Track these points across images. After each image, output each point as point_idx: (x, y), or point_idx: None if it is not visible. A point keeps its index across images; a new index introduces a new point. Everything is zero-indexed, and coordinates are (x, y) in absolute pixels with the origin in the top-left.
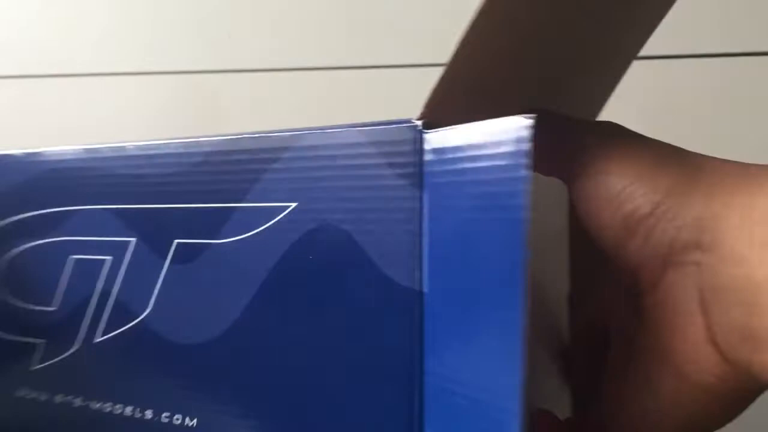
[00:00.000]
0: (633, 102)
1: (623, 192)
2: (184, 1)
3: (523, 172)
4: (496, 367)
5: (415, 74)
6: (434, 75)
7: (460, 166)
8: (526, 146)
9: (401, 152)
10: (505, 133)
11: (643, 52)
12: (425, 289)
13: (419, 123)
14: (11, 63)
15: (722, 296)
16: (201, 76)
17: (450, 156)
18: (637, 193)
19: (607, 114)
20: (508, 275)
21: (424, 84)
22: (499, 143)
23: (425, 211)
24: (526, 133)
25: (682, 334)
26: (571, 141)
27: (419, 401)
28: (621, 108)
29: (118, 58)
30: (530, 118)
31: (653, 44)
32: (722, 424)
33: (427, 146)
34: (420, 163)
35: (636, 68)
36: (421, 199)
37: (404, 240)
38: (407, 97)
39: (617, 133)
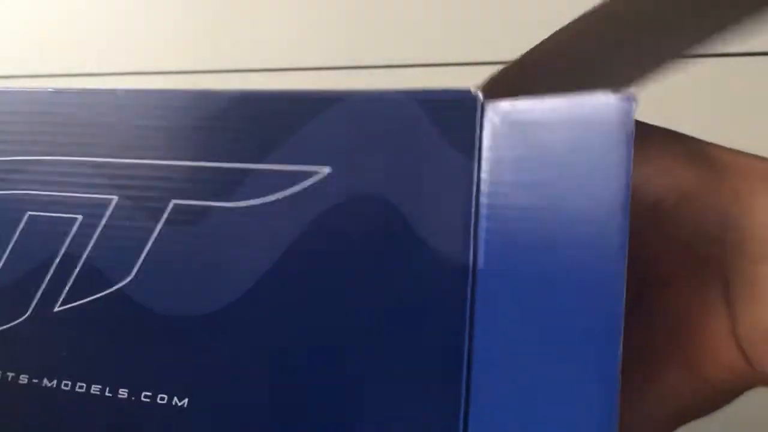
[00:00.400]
0: None
1: (649, 182)
2: (185, 1)
3: (628, 150)
4: (585, 353)
5: (416, 74)
6: (435, 75)
7: (532, 140)
8: (629, 123)
9: (459, 121)
10: (599, 108)
11: None
12: (480, 266)
13: (479, 92)
14: (11, 63)
15: (747, 293)
16: (201, 76)
17: (519, 129)
18: (664, 184)
19: None
20: (606, 257)
21: (427, 84)
22: (590, 119)
23: (483, 183)
24: (627, 109)
25: (704, 329)
26: None
27: (466, 389)
28: None
29: (118, 58)
30: (629, 95)
31: None
32: (713, 411)
33: (489, 116)
34: (480, 135)
35: None
36: (479, 170)
37: (457, 213)
38: None
39: (639, 124)
